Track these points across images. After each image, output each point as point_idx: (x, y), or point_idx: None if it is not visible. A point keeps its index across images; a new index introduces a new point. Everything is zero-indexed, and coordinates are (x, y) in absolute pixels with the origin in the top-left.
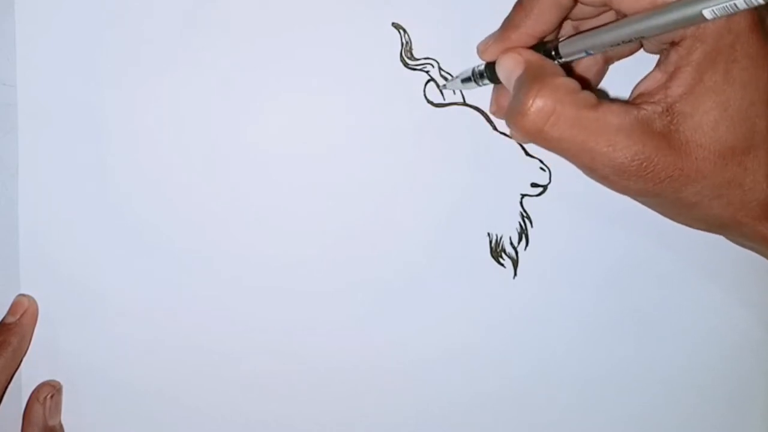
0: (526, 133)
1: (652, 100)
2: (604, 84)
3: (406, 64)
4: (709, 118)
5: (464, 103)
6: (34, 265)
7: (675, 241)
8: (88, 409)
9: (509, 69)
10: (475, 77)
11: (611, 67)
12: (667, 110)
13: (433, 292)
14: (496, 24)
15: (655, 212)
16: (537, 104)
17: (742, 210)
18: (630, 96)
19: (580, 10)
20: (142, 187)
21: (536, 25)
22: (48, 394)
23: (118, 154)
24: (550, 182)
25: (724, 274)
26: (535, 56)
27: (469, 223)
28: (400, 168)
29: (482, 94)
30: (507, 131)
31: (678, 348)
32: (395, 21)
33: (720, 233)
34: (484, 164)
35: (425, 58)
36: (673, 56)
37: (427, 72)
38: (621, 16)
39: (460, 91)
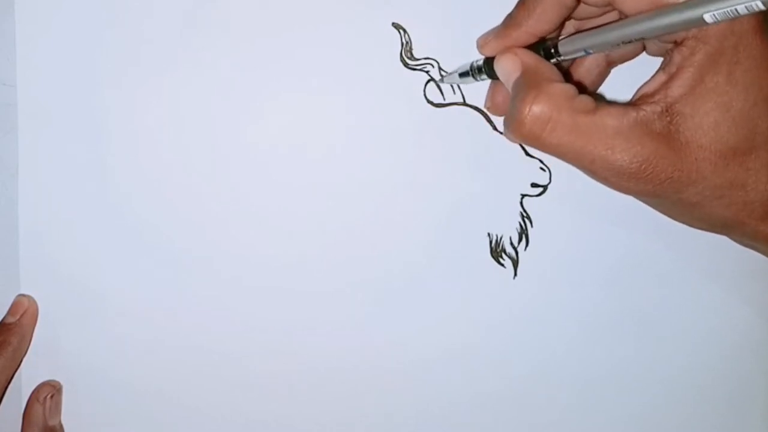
0: (524, 140)
1: (651, 101)
2: (610, 89)
3: (406, 64)
4: (709, 119)
5: (464, 103)
6: (34, 265)
7: (675, 241)
8: (88, 409)
9: (507, 71)
10: (473, 72)
11: (615, 71)
12: (667, 110)
13: (433, 292)
14: (496, 24)
15: (655, 212)
16: (534, 111)
17: (744, 210)
18: (632, 97)
19: (583, 9)
20: (142, 187)
21: (538, 24)
22: (48, 394)
23: (118, 154)
24: (550, 182)
25: (724, 274)
26: (533, 59)
27: (469, 223)
28: (400, 168)
29: (482, 95)
30: None
31: (678, 348)
32: (395, 21)
33: (722, 233)
34: (484, 164)
35: (425, 58)
36: (676, 57)
37: (427, 72)
38: (623, 16)
39: (461, 92)
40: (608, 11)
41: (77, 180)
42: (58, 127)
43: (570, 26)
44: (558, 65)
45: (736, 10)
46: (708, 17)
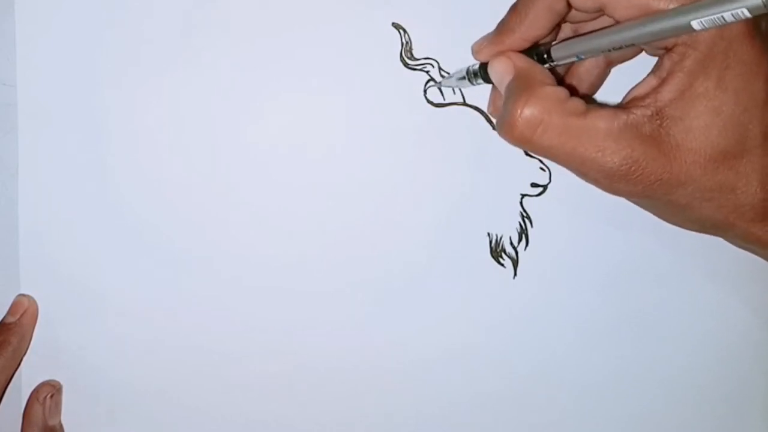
0: (516, 142)
1: (641, 104)
2: (608, 88)
3: (406, 64)
4: (700, 123)
5: (464, 103)
6: (34, 265)
7: (674, 242)
8: (88, 409)
9: (500, 74)
10: (469, 76)
11: (616, 71)
12: (657, 114)
13: (433, 292)
14: (495, 24)
15: None
16: (525, 114)
17: (734, 213)
18: (622, 100)
19: (576, 14)
20: (142, 187)
21: (530, 30)
22: (48, 394)
23: (118, 154)
24: (550, 182)
25: (723, 275)
26: (525, 62)
27: (469, 223)
28: (400, 168)
29: (482, 95)
30: None
31: (678, 348)
32: (395, 21)
33: (714, 234)
34: (484, 164)
35: (425, 58)
36: (667, 62)
37: (427, 72)
38: (615, 21)
39: (461, 92)
40: (601, 16)
41: (77, 180)
42: (58, 127)
43: (567, 29)
44: (552, 70)
45: (722, 17)
46: (696, 24)
